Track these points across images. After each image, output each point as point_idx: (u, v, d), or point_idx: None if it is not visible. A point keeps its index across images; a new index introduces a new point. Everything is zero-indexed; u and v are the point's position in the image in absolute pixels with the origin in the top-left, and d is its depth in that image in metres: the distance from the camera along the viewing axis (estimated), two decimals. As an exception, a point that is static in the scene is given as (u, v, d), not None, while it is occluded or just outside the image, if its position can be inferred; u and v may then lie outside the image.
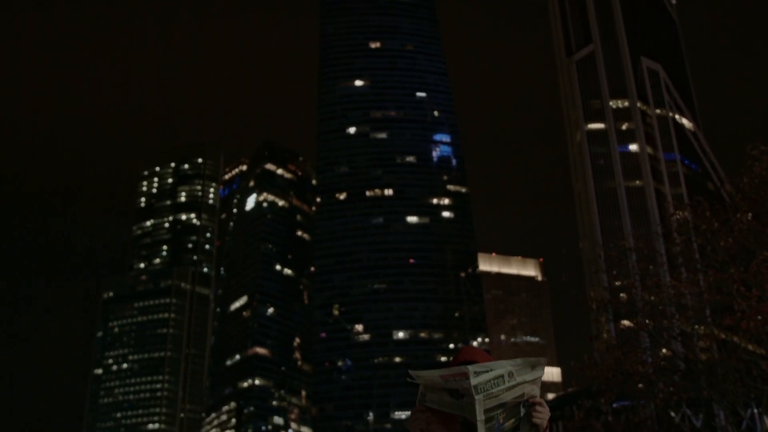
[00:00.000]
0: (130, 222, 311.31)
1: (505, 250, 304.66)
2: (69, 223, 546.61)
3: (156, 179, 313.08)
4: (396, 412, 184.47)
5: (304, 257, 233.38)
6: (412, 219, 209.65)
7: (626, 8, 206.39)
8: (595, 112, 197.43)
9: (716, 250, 30.96)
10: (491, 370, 4.44)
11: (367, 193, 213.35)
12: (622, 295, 34.21)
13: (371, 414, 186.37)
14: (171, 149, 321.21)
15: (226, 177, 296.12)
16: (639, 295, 33.25)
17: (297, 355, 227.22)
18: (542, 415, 4.63)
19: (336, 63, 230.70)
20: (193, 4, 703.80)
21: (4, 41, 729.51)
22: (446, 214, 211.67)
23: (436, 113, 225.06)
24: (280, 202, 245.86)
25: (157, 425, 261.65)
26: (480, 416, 4.39)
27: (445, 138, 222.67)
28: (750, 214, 29.84)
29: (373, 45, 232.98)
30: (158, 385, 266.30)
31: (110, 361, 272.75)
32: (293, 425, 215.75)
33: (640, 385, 33.86)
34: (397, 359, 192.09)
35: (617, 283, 34.96)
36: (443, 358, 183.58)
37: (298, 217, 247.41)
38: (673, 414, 47.98)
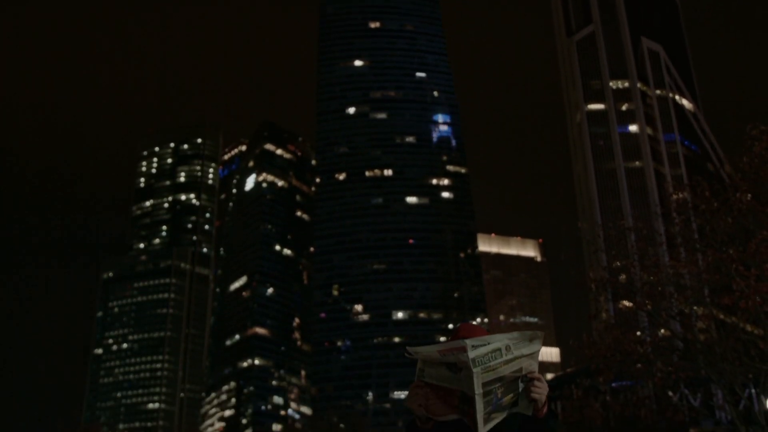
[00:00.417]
0: (130, 202, 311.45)
1: (505, 231, 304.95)
2: (69, 203, 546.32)
3: (155, 159, 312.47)
4: (395, 392, 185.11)
5: (304, 237, 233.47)
6: (411, 199, 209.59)
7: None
8: (595, 92, 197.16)
9: (715, 230, 30.94)
10: (489, 344, 4.46)
11: (367, 174, 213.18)
12: (621, 276, 34.20)
13: (371, 394, 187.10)
14: (170, 129, 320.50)
15: (226, 157, 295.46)
16: (638, 275, 33.26)
17: (296, 335, 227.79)
18: (540, 390, 4.64)
19: (335, 43, 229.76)
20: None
21: (1, 22, 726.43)
22: (446, 194, 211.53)
23: (435, 93, 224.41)
24: (280, 183, 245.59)
25: (157, 405, 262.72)
26: (478, 390, 4.41)
27: (445, 118, 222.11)
28: (749, 194, 29.79)
29: (373, 25, 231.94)
30: (158, 365, 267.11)
31: (110, 341, 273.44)
32: (293, 405, 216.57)
33: (639, 365, 33.92)
34: (397, 339, 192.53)
35: (616, 263, 34.93)
36: (442, 338, 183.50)
37: (298, 197, 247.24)
38: (671, 393, 48.20)
